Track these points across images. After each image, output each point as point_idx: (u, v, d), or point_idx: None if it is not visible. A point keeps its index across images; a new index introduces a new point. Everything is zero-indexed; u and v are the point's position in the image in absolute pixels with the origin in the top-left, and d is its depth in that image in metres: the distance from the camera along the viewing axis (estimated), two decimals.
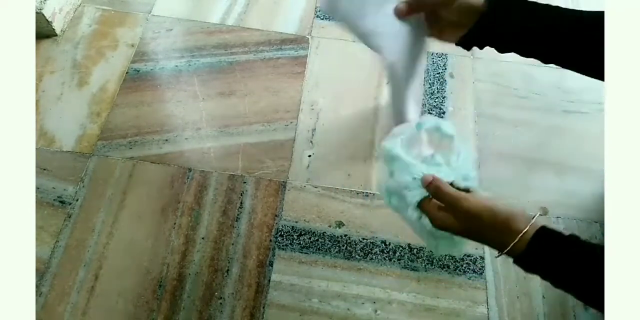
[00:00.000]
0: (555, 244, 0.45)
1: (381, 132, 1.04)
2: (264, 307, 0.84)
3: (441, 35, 0.56)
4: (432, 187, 0.51)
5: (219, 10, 1.20)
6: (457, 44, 0.55)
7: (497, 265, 0.91)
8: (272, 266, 0.87)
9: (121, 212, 0.90)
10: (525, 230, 0.45)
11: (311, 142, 1.02)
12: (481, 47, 0.55)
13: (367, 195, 0.96)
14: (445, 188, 0.50)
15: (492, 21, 0.51)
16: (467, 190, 0.52)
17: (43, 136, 0.97)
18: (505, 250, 0.46)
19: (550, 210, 0.96)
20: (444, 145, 0.57)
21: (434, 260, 0.90)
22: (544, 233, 0.46)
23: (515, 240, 0.45)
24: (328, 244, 0.90)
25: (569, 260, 0.44)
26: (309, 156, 1.00)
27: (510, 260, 0.47)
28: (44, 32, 1.09)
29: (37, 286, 0.82)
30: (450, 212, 0.50)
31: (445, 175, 0.53)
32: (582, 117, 1.11)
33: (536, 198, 0.98)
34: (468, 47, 0.55)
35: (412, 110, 0.61)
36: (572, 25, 0.50)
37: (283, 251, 0.89)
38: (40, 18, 1.04)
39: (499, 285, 0.89)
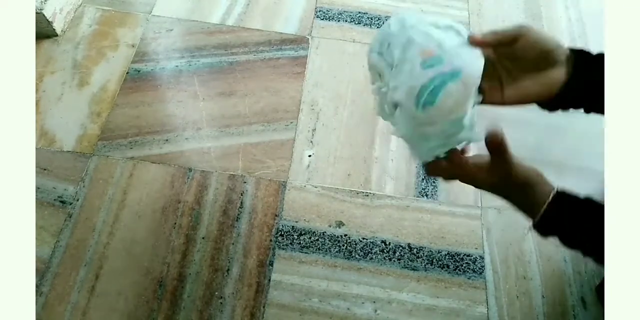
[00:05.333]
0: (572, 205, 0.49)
1: (381, 132, 1.04)
2: (264, 307, 0.84)
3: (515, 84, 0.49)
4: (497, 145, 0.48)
5: (219, 10, 1.20)
6: (542, 106, 0.52)
7: (496, 265, 0.91)
8: (272, 266, 0.88)
9: (122, 212, 0.91)
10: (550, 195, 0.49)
11: (311, 142, 1.02)
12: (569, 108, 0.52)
13: (367, 195, 0.96)
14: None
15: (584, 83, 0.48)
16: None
17: (44, 136, 0.97)
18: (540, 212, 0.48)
19: None
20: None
21: (434, 260, 0.90)
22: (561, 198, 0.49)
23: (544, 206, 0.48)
24: (328, 244, 0.91)
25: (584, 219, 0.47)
26: (309, 156, 1.00)
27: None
28: (45, 32, 1.09)
29: (37, 286, 0.82)
30: (488, 170, 0.50)
31: None
32: (582, 117, 1.10)
33: None
34: (555, 108, 0.52)
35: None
36: None
37: (283, 251, 0.89)
38: (40, 18, 1.04)
39: (499, 284, 0.89)
